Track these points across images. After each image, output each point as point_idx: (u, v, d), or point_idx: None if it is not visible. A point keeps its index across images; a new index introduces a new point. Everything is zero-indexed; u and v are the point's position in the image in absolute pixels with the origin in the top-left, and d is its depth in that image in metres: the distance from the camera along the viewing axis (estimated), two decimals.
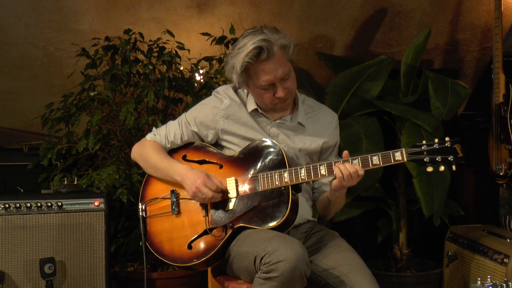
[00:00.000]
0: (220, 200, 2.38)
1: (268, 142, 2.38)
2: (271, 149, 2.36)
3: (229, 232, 2.33)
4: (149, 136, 2.57)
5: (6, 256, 2.88)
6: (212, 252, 2.34)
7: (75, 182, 3.16)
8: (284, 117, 2.47)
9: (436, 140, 2.21)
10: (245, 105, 2.48)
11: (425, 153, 2.20)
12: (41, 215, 2.93)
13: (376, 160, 2.23)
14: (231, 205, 2.36)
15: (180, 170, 2.43)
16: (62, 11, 3.73)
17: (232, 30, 3.57)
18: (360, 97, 3.46)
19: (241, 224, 2.32)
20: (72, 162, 3.42)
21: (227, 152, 2.48)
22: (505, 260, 2.85)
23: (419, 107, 3.35)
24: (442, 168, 2.20)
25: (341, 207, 2.51)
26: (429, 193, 3.19)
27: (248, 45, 2.28)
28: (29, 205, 2.91)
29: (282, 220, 2.25)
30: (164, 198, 2.50)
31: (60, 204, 2.96)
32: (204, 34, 3.56)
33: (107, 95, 3.37)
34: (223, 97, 2.48)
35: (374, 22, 4.08)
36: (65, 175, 3.33)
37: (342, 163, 2.25)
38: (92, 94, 3.43)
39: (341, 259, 2.30)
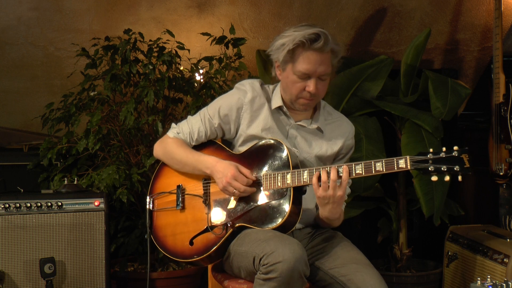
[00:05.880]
0: (223, 198, 2.38)
1: (275, 142, 2.36)
2: (277, 150, 2.35)
3: (230, 230, 2.34)
4: (171, 134, 2.53)
5: (6, 256, 2.88)
6: (212, 250, 2.34)
7: (75, 182, 3.16)
8: (305, 120, 2.46)
9: (444, 149, 2.13)
10: (269, 101, 2.46)
11: (430, 161, 2.12)
12: (41, 215, 2.93)
13: (379, 166, 2.19)
14: (233, 204, 2.36)
15: (208, 162, 2.40)
16: (62, 11, 3.72)
17: (232, 30, 3.57)
18: (360, 97, 3.46)
19: (241, 224, 2.33)
20: (72, 162, 3.42)
21: (236, 150, 2.47)
22: (505, 260, 2.85)
23: (419, 107, 3.35)
24: (447, 178, 2.12)
25: (338, 221, 2.45)
26: (429, 193, 3.19)
27: (306, 30, 2.29)
28: (29, 205, 2.91)
29: (281, 223, 2.25)
30: (170, 193, 2.51)
31: (60, 204, 2.96)
32: (204, 34, 3.56)
33: (107, 95, 3.37)
34: (247, 89, 2.44)
35: (374, 22, 4.08)
36: (65, 175, 3.33)
37: (343, 166, 2.22)
38: (92, 94, 3.43)
39: (348, 258, 2.30)
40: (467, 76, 4.32)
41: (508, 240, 2.99)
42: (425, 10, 4.06)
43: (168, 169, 2.56)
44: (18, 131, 3.92)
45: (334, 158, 2.51)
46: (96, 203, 3.00)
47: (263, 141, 2.39)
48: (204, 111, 2.51)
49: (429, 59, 4.24)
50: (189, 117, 2.55)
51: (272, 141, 2.37)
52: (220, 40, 3.55)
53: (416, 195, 3.23)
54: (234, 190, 2.32)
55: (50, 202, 2.94)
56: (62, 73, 3.81)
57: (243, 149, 2.44)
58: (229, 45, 3.55)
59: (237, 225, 2.33)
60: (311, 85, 2.33)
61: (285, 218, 2.25)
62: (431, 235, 3.81)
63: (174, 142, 2.50)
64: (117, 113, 3.40)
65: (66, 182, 3.15)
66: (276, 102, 2.44)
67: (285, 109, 2.44)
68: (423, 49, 3.42)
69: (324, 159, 2.47)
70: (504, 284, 2.15)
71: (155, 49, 3.45)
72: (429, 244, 3.86)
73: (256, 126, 2.43)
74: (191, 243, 2.39)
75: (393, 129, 3.55)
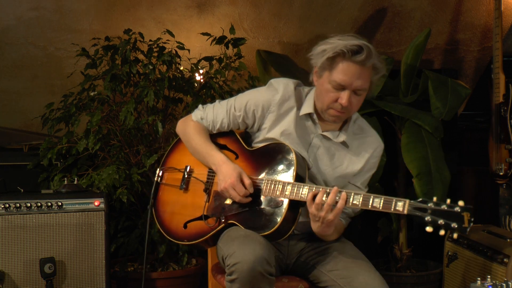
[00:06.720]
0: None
1: (287, 149, 2.30)
2: (286, 157, 2.29)
3: (222, 225, 2.34)
4: (195, 117, 2.51)
5: (6, 256, 2.88)
6: (201, 239, 2.37)
7: (75, 182, 3.16)
8: (332, 132, 2.39)
9: (448, 201, 2.05)
10: (299, 106, 2.38)
11: (429, 211, 2.05)
12: (41, 215, 2.93)
13: (377, 203, 2.13)
14: (230, 200, 2.35)
15: (216, 160, 2.39)
16: (62, 11, 3.72)
17: (232, 30, 3.57)
18: None
19: (234, 221, 2.33)
20: (72, 162, 3.42)
21: (252, 144, 2.44)
22: (505, 260, 2.85)
23: (419, 107, 3.35)
24: (442, 232, 2.03)
25: (331, 237, 2.37)
26: (429, 193, 3.19)
27: (351, 40, 2.23)
28: (29, 205, 2.91)
29: (270, 231, 2.23)
30: (179, 171, 2.52)
31: (60, 204, 2.96)
32: (204, 34, 3.56)
33: (107, 95, 3.37)
34: (279, 89, 2.37)
35: (374, 22, 4.08)
36: (65, 175, 3.33)
37: (343, 192, 2.15)
38: (92, 94, 3.43)
39: (350, 261, 2.28)
40: (467, 76, 4.32)
41: (508, 240, 2.99)
42: (425, 10, 4.06)
43: (184, 145, 2.56)
44: (18, 131, 3.92)
45: (354, 175, 2.42)
46: (96, 203, 3.00)
47: (276, 144, 2.34)
48: (231, 103, 2.45)
49: (429, 59, 4.24)
50: (217, 102, 2.51)
51: (283, 147, 2.31)
52: (220, 40, 3.55)
53: (416, 195, 3.23)
54: (231, 197, 2.32)
55: (50, 202, 2.94)
56: (62, 73, 3.81)
57: (258, 146, 2.41)
58: (229, 45, 3.55)
59: (229, 221, 2.33)
60: (344, 98, 2.24)
61: (274, 228, 2.22)
62: (431, 235, 3.80)
63: (194, 127, 2.50)
64: (117, 113, 3.40)
65: (66, 182, 3.15)
66: (307, 108, 2.37)
67: (314, 116, 2.37)
68: (423, 49, 3.42)
69: (342, 176, 2.39)
70: (504, 284, 2.15)
71: (155, 49, 3.45)
72: (429, 244, 3.86)
73: (277, 130, 2.37)
74: (185, 226, 2.42)
75: (393, 129, 3.54)
